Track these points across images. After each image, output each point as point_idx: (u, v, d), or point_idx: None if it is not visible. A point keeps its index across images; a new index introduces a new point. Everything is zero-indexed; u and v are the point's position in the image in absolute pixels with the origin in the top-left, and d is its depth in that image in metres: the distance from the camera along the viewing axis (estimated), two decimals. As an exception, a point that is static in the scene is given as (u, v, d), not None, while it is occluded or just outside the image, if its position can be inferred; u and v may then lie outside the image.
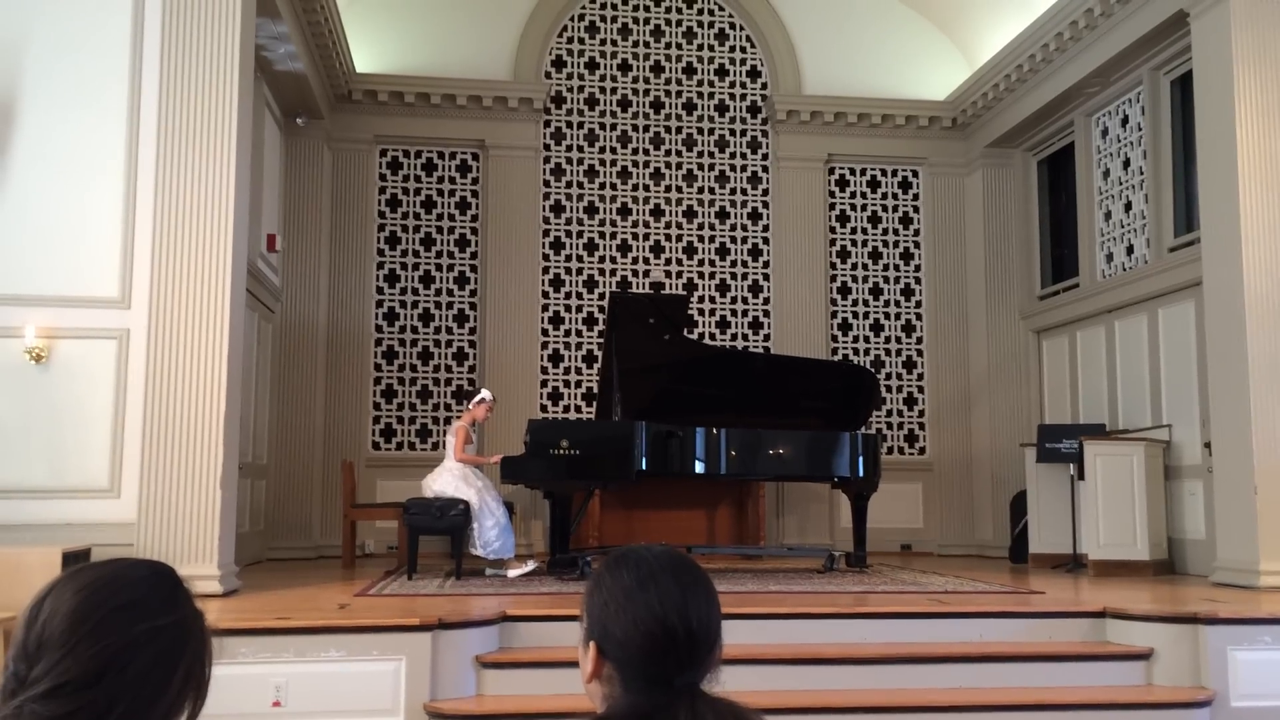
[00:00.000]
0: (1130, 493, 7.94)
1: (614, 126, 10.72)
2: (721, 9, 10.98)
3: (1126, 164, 9.07)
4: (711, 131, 10.85)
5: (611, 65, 10.79)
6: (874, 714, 4.87)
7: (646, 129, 10.76)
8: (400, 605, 5.67)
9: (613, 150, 10.70)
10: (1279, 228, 7.00)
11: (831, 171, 10.98)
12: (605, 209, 10.63)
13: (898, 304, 10.94)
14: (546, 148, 10.60)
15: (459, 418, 7.97)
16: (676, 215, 10.72)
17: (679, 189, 10.75)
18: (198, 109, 6.35)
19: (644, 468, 7.28)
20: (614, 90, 10.76)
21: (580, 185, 10.64)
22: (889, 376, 10.81)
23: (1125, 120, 9.10)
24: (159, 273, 6.22)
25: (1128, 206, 9.04)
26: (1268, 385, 6.88)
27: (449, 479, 7.46)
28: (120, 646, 1.24)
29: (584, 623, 1.52)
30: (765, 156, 10.88)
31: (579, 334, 10.52)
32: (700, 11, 10.96)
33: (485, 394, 7.85)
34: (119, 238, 6.29)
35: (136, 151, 6.35)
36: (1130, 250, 9.00)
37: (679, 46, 10.90)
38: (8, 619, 4.93)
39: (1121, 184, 9.13)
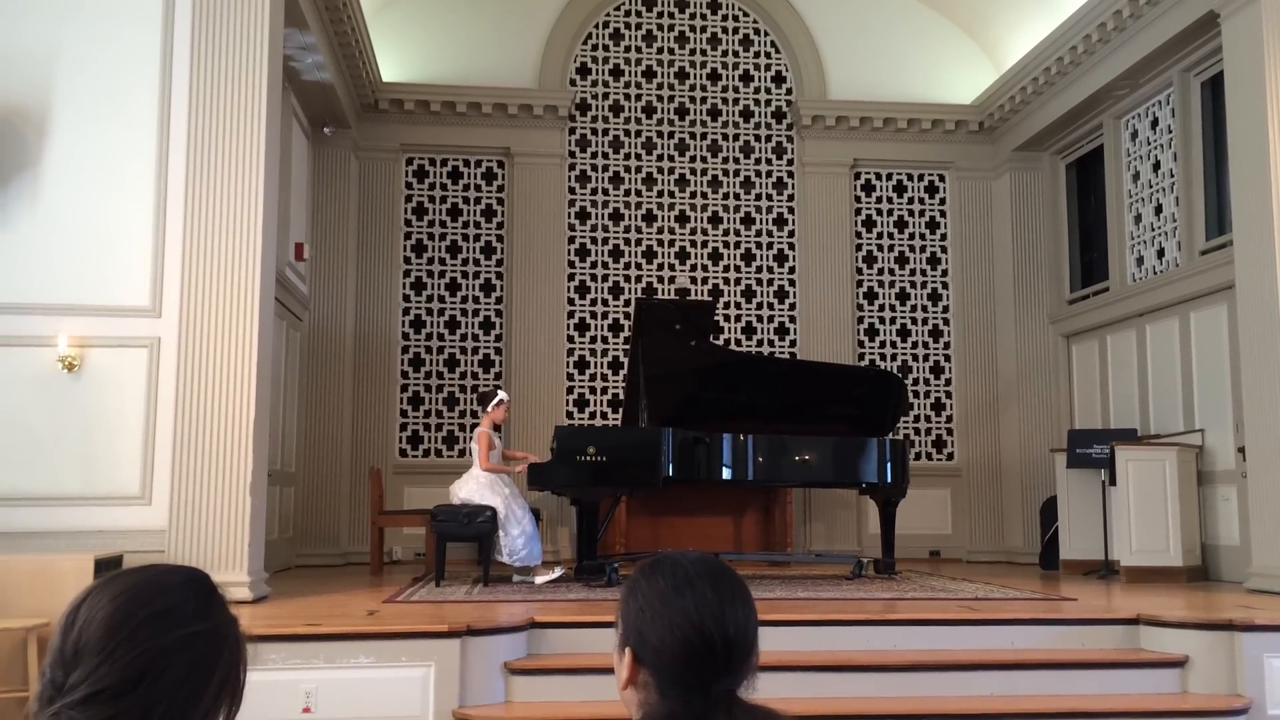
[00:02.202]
0: (1163, 498, 7.85)
1: (639, 133, 10.72)
2: (746, 14, 10.97)
3: (1157, 166, 8.98)
4: (737, 137, 10.83)
5: (636, 72, 10.80)
6: (905, 722, 4.84)
7: (671, 135, 10.76)
8: (428, 612, 5.68)
9: (638, 157, 10.70)
10: (1313, 229, 6.91)
11: (857, 176, 10.93)
12: (630, 215, 10.63)
13: (925, 309, 10.88)
14: (571, 155, 10.62)
15: (480, 424, 7.97)
16: (702, 221, 10.71)
17: (704, 195, 10.74)
18: (227, 119, 6.40)
19: (670, 474, 7.27)
20: (639, 97, 10.76)
21: (605, 192, 10.64)
22: (916, 382, 10.75)
23: (1155, 122, 9.01)
24: (189, 281, 6.27)
25: (1158, 209, 8.95)
26: (1303, 389, 6.79)
27: (476, 486, 7.46)
28: (156, 653, 1.24)
29: (619, 629, 1.50)
30: (790, 162, 10.86)
31: (605, 340, 10.53)
32: (725, 17, 10.95)
33: (501, 394, 7.85)
34: (149, 247, 6.34)
35: (166, 161, 6.40)
36: (1161, 253, 8.91)
37: (703, 52, 10.89)
38: (42, 625, 4.97)
39: (1152, 186, 9.04)
